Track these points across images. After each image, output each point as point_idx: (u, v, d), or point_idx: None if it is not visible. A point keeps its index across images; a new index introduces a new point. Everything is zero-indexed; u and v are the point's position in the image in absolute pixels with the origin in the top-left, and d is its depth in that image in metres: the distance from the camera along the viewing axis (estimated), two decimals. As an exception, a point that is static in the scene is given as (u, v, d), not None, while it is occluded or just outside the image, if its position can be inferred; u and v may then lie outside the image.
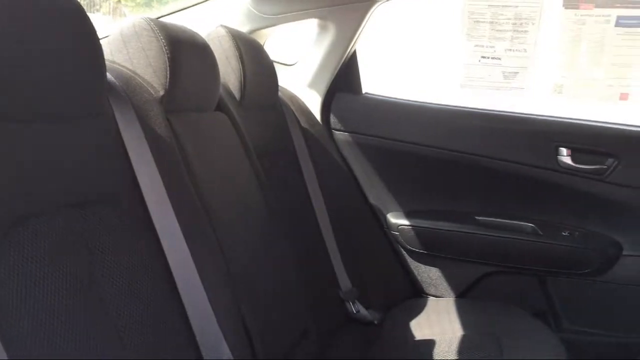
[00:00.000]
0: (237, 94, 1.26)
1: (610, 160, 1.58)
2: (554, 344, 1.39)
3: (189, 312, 0.83)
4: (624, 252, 1.60)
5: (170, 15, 1.62)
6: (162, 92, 0.94)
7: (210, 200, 0.99)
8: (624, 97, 1.57)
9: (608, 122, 1.62)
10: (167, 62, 0.93)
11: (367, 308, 1.56)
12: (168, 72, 0.93)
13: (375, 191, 1.77)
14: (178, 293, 0.83)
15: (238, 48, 1.25)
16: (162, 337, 0.78)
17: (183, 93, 0.99)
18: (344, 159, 1.76)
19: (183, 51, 0.97)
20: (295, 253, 1.29)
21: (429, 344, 1.40)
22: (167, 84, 0.94)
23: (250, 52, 1.30)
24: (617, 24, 1.52)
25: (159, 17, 0.99)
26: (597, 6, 1.52)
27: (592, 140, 1.61)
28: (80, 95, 0.75)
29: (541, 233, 1.65)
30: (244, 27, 1.62)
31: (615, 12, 1.51)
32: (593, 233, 1.63)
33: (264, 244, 1.18)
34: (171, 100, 0.96)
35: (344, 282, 1.52)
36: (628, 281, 1.61)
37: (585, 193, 1.62)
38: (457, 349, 1.35)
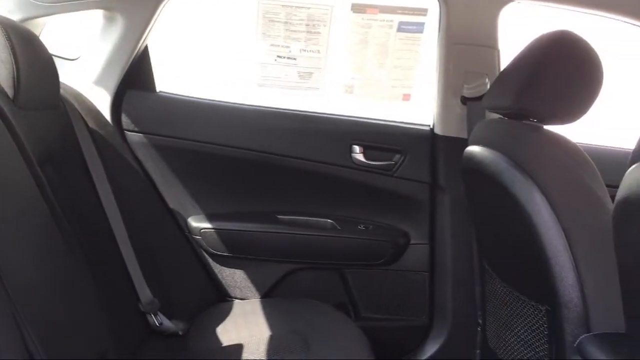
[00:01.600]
0: (9, 91, 1.10)
1: (397, 156, 1.71)
2: (355, 333, 1.46)
3: None
4: (412, 242, 1.74)
5: None
6: None
7: None
8: (406, 97, 1.70)
9: (395, 121, 1.74)
10: None
11: (170, 319, 1.49)
12: None
13: (174, 195, 1.70)
14: None
15: (8, 38, 1.09)
16: None
17: None
18: (138, 162, 1.65)
19: None
20: (89, 267, 1.18)
21: (237, 349, 1.38)
22: None
23: (24, 44, 1.14)
24: (399, 29, 1.63)
25: None
26: (381, 11, 1.61)
27: (381, 138, 1.72)
28: None
29: (339, 228, 1.72)
30: (13, 15, 1.43)
31: (397, 18, 1.62)
32: (385, 225, 1.75)
33: (51, 261, 1.05)
34: None
35: (144, 293, 1.44)
36: (415, 267, 1.76)
37: (377, 188, 1.73)
38: (265, 351, 1.35)
